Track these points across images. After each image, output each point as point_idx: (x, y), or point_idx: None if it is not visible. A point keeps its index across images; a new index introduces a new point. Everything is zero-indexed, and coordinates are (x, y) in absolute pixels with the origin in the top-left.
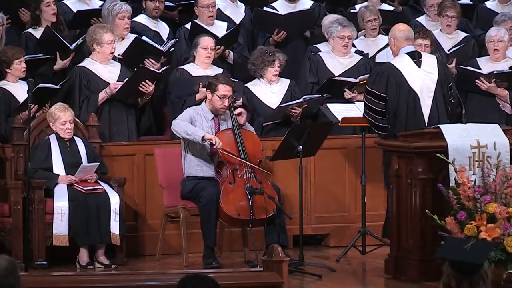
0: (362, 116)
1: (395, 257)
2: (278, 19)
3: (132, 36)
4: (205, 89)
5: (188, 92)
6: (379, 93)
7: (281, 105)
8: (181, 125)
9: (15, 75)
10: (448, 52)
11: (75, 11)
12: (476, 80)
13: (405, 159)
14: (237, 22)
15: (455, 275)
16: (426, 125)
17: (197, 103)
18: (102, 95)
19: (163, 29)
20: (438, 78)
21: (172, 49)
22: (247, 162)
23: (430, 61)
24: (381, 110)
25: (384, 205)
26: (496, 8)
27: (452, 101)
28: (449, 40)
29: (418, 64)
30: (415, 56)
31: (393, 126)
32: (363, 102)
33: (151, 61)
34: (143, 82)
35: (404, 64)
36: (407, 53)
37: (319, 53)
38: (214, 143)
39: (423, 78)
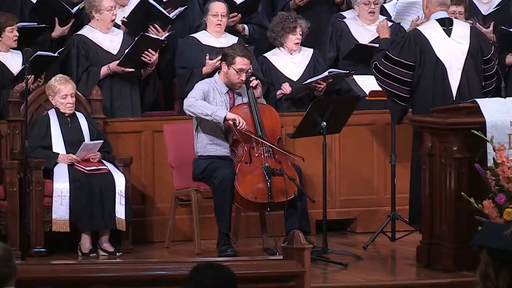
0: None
1: (427, 244)
2: None
3: (135, 2)
4: (211, 61)
5: (195, 63)
6: (407, 62)
7: (304, 83)
8: (197, 105)
9: (6, 44)
10: (485, 14)
11: None
12: None
13: (439, 137)
14: None
15: (493, 264)
16: (454, 100)
17: (205, 77)
18: (104, 71)
19: None
20: (469, 49)
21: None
22: (265, 141)
23: (462, 30)
24: (407, 80)
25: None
26: None
27: (492, 74)
28: (484, 5)
29: (448, 32)
30: (446, 24)
31: (418, 100)
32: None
33: (156, 29)
34: (145, 52)
35: (432, 31)
36: (438, 20)
37: (344, 19)
38: (237, 123)
39: (452, 48)
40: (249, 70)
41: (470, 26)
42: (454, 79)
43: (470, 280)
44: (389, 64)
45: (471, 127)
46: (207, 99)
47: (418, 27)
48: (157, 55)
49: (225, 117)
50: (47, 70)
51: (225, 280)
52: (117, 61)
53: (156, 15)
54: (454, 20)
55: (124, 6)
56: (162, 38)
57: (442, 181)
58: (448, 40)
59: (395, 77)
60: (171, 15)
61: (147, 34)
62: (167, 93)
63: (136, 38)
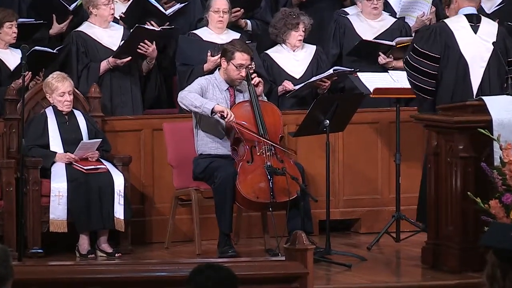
0: (396, 86)
1: (433, 244)
2: None
3: None
4: (213, 58)
5: (195, 59)
6: (432, 54)
7: (308, 81)
8: (188, 97)
9: (5, 40)
10: (488, 13)
11: None
12: None
13: (444, 135)
14: None
15: (500, 265)
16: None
17: (206, 73)
18: (104, 65)
19: None
20: (494, 47)
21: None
22: (266, 140)
23: (489, 28)
24: (432, 72)
25: None
26: None
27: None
28: (488, 2)
29: (475, 29)
30: (473, 20)
31: (439, 94)
32: (398, 71)
33: (152, 25)
34: (141, 43)
35: (459, 26)
36: (466, 16)
37: (348, 16)
38: (225, 115)
39: (477, 45)
40: (250, 66)
41: (498, 26)
42: (476, 77)
43: (476, 282)
44: (415, 56)
45: (477, 126)
46: (205, 95)
47: (445, 20)
48: (154, 46)
49: (213, 109)
50: (46, 68)
51: (226, 282)
52: (113, 60)
53: (153, 12)
54: (483, 17)
55: (126, 0)
56: (159, 29)
57: (448, 180)
58: (473, 37)
59: (421, 70)
60: (167, 12)
61: (143, 26)
62: (168, 91)
63: (131, 30)
